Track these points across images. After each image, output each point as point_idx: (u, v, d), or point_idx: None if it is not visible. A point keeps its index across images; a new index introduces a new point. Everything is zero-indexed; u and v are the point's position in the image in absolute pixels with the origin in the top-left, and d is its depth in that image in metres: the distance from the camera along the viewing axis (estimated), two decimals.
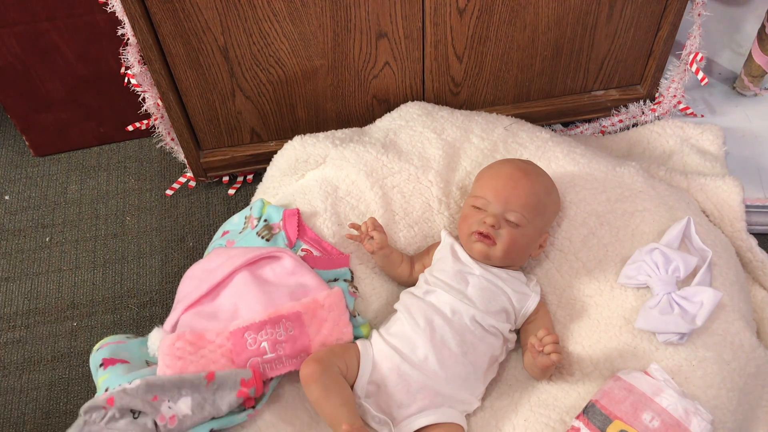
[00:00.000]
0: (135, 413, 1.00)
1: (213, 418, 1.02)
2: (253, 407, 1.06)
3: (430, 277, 1.18)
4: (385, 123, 1.41)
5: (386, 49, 1.36)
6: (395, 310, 1.18)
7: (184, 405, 1.01)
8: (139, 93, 1.39)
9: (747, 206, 1.34)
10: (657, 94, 1.55)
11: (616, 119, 1.57)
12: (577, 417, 1.04)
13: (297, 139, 1.38)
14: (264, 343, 1.07)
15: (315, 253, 1.22)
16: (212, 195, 1.59)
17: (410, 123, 1.38)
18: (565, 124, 1.62)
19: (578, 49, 1.44)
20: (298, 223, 1.24)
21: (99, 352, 1.11)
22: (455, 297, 1.13)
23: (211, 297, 1.14)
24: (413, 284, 1.22)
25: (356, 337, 1.15)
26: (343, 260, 1.24)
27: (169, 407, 1.01)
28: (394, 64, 1.39)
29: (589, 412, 1.03)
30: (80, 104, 1.59)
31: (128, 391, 1.01)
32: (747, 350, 1.12)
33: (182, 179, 1.60)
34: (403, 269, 1.24)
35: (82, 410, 1.01)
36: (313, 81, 1.40)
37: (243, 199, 1.57)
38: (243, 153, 1.51)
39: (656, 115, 1.54)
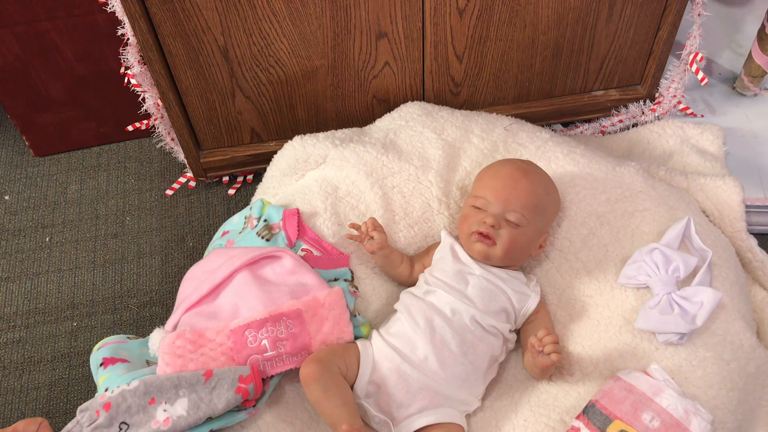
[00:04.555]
0: (122, 427, 1.00)
1: (209, 418, 1.02)
2: (254, 406, 1.06)
3: (430, 277, 1.18)
4: (385, 123, 1.41)
5: (386, 49, 1.36)
6: (395, 310, 1.18)
7: (180, 406, 1.01)
8: (139, 93, 1.39)
9: (747, 206, 1.34)
10: (657, 94, 1.55)
11: (616, 119, 1.57)
12: (577, 417, 1.04)
13: (297, 139, 1.38)
14: (264, 341, 1.07)
15: (315, 253, 1.22)
16: (212, 195, 1.59)
17: (410, 123, 1.38)
18: (565, 124, 1.62)
19: (578, 49, 1.44)
20: (298, 223, 1.24)
21: (99, 351, 1.11)
22: (455, 297, 1.13)
23: (211, 297, 1.14)
24: (413, 284, 1.22)
25: (356, 337, 1.15)
26: (343, 260, 1.24)
27: (165, 410, 1.00)
28: (394, 64, 1.39)
29: (589, 412, 1.03)
30: (80, 104, 1.59)
31: (127, 393, 1.01)
32: (747, 350, 1.12)
33: (182, 179, 1.60)
34: (403, 269, 1.24)
35: (78, 409, 1.01)
36: (313, 81, 1.40)
37: (243, 199, 1.57)
38: (243, 153, 1.51)
39: (656, 115, 1.54)
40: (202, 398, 1.01)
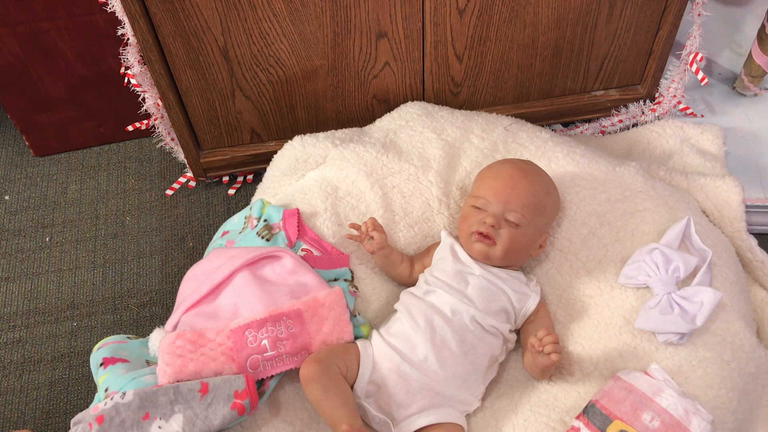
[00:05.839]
0: None
1: None
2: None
3: (430, 277, 1.18)
4: (385, 123, 1.41)
5: (386, 49, 1.36)
6: (395, 310, 1.18)
7: (175, 423, 1.00)
8: (139, 93, 1.39)
9: (747, 206, 1.34)
10: (657, 94, 1.55)
11: (616, 119, 1.57)
12: (577, 417, 1.04)
13: (297, 139, 1.38)
14: (264, 341, 1.07)
15: (315, 253, 1.22)
16: (212, 195, 1.59)
17: (410, 123, 1.38)
18: (565, 124, 1.62)
19: (578, 49, 1.44)
20: (298, 223, 1.24)
21: (99, 351, 1.11)
22: (455, 297, 1.13)
23: (211, 297, 1.14)
24: (413, 284, 1.22)
25: (356, 337, 1.15)
26: (343, 260, 1.24)
27: (159, 427, 0.99)
28: (394, 64, 1.39)
29: (589, 412, 1.03)
30: (80, 104, 1.59)
31: (121, 407, 1.00)
32: (747, 350, 1.12)
33: (182, 179, 1.60)
34: (403, 269, 1.24)
35: (72, 421, 1.00)
36: (313, 81, 1.40)
37: (243, 199, 1.57)
38: (243, 153, 1.51)
39: (656, 115, 1.54)
40: (198, 414, 1.00)
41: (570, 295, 1.21)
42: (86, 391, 1.34)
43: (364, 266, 1.27)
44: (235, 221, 1.31)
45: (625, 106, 1.56)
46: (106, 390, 1.05)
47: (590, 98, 1.55)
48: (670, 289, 1.12)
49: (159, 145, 1.59)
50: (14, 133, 1.71)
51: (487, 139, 1.35)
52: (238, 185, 1.59)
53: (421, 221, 1.30)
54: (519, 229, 1.16)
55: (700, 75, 1.45)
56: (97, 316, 1.43)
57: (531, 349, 1.10)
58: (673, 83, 1.51)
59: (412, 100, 1.45)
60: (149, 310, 1.43)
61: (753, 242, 1.31)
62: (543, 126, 1.46)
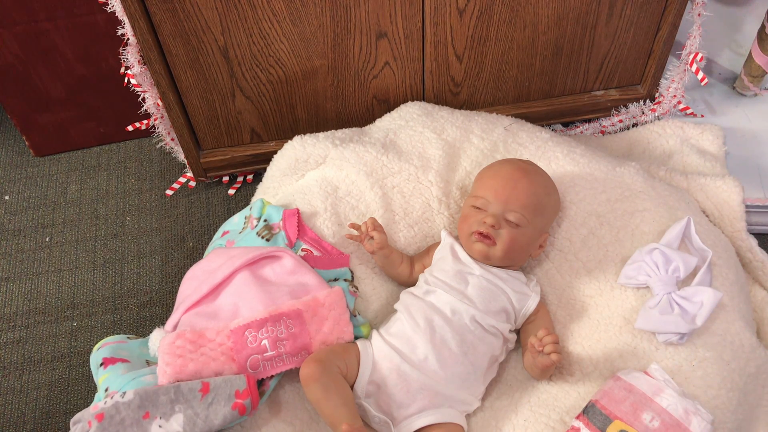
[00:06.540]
0: None
1: None
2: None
3: (430, 277, 1.18)
4: (385, 123, 1.41)
5: (386, 49, 1.36)
6: (395, 310, 1.18)
7: (175, 423, 0.99)
8: (139, 93, 1.39)
9: (747, 206, 1.34)
10: (657, 94, 1.55)
11: (616, 119, 1.57)
12: (577, 417, 1.04)
13: (297, 139, 1.38)
14: (265, 341, 1.07)
15: (315, 253, 1.22)
16: (212, 195, 1.59)
17: (410, 123, 1.38)
18: (565, 124, 1.62)
19: (578, 49, 1.44)
20: (298, 223, 1.24)
21: (99, 351, 1.11)
22: (455, 297, 1.13)
23: (211, 297, 1.14)
24: (413, 284, 1.22)
25: (356, 337, 1.15)
26: (343, 260, 1.24)
27: (160, 426, 0.99)
28: (394, 64, 1.39)
29: (589, 412, 1.03)
30: (80, 104, 1.59)
31: (121, 406, 0.99)
32: (747, 350, 1.12)
33: (182, 179, 1.60)
34: (403, 269, 1.24)
35: (71, 421, 1.00)
36: (313, 81, 1.40)
37: (243, 199, 1.57)
38: (243, 153, 1.51)
39: (656, 115, 1.54)
40: (198, 414, 1.00)
41: (570, 295, 1.21)
42: (86, 391, 1.34)
43: (364, 266, 1.27)
44: (235, 221, 1.31)
45: (625, 106, 1.56)
46: (106, 390, 1.05)
47: (590, 98, 1.55)
48: (670, 289, 1.12)
49: (159, 145, 1.59)
50: (14, 133, 1.72)
51: (487, 139, 1.35)
52: (238, 185, 1.59)
53: (421, 221, 1.30)
54: (519, 229, 1.16)
55: (700, 75, 1.45)
56: (97, 316, 1.43)
57: (531, 349, 1.10)
58: (673, 83, 1.51)
59: (412, 100, 1.45)
60: (149, 310, 1.43)
61: (753, 242, 1.31)
62: (543, 126, 1.46)
